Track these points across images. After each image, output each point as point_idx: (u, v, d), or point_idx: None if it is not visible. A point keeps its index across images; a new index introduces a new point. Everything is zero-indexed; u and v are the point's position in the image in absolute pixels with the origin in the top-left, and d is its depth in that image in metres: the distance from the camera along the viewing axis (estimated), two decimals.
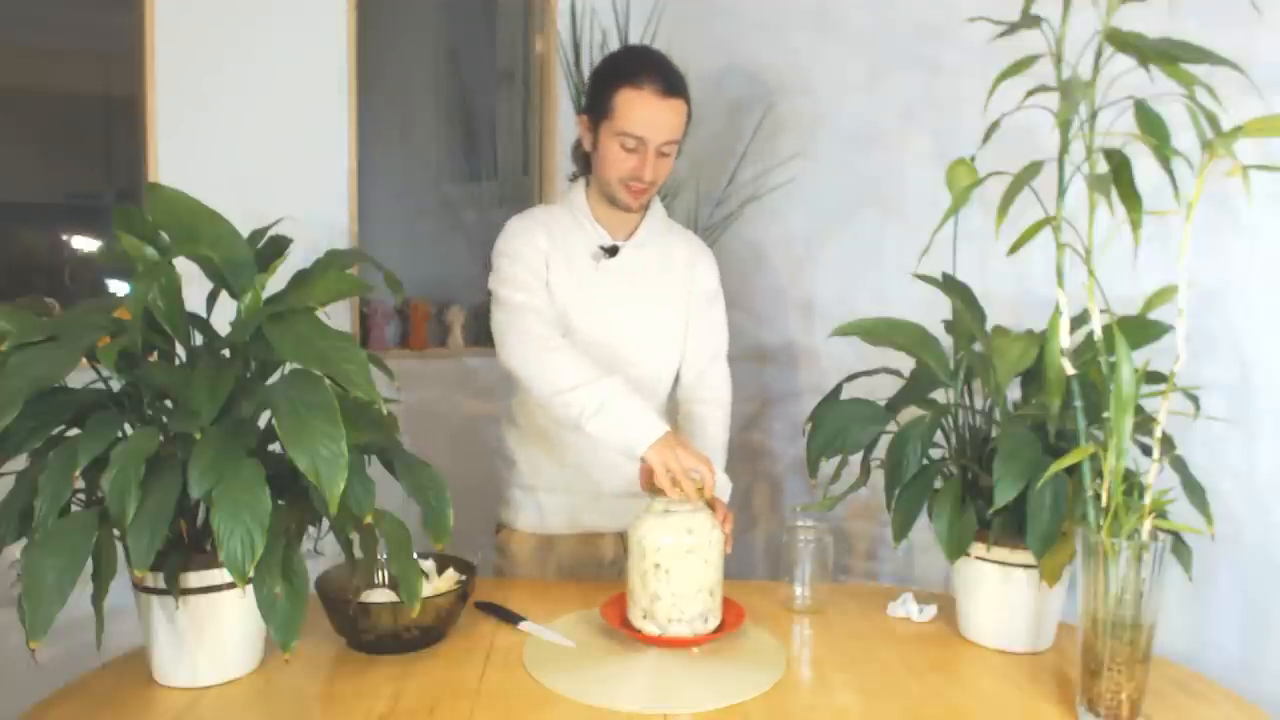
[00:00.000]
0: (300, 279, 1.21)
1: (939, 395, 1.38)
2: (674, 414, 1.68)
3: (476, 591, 1.37)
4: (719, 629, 1.26)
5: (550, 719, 1.05)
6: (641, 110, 1.45)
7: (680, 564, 1.21)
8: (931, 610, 1.40)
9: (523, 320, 1.47)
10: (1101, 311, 1.12)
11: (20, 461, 1.04)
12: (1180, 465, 1.22)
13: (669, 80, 1.47)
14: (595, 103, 1.50)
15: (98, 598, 0.99)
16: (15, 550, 0.99)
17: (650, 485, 1.31)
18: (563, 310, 1.54)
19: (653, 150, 1.47)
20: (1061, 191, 1.15)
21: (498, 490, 1.72)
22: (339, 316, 2.44)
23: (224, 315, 1.17)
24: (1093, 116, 1.10)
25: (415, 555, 1.14)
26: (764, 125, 2.14)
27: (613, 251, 1.56)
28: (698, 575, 1.22)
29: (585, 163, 1.58)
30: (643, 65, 1.48)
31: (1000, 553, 1.24)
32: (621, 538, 1.65)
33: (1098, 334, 1.11)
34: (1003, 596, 1.26)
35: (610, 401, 1.33)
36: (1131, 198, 1.06)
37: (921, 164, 1.82)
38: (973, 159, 1.21)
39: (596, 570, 1.67)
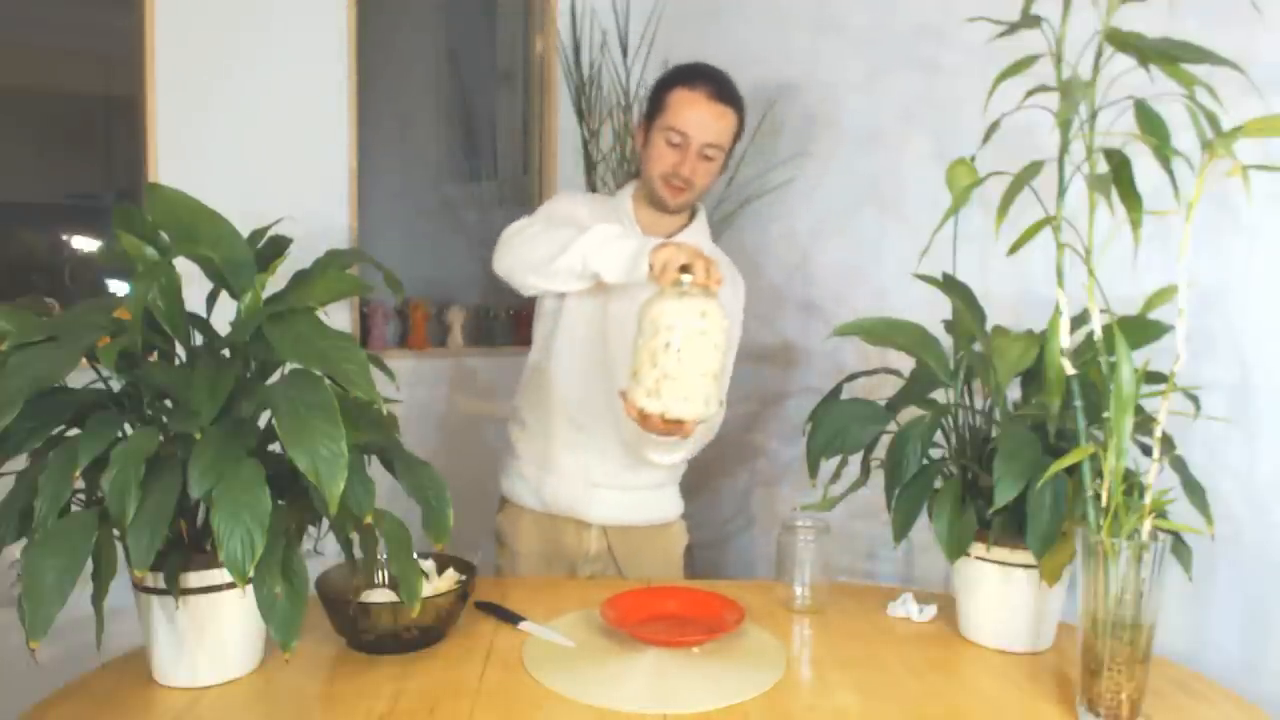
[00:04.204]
0: (300, 279, 1.21)
1: (939, 395, 1.38)
2: None
3: (476, 591, 1.37)
4: (718, 629, 1.26)
5: (550, 719, 1.05)
6: (689, 108, 1.53)
7: (692, 345, 1.22)
8: (931, 610, 1.40)
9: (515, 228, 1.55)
10: (1101, 311, 1.12)
11: (20, 461, 1.04)
12: (1180, 465, 1.22)
13: (722, 88, 1.55)
14: (651, 105, 1.60)
15: (98, 598, 0.99)
16: (15, 550, 0.99)
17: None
18: (596, 304, 1.57)
19: (695, 149, 1.54)
20: (1061, 191, 1.15)
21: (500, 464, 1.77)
22: (339, 316, 2.44)
23: (224, 315, 1.17)
24: (1093, 116, 1.10)
25: (415, 555, 1.14)
26: (764, 125, 2.13)
27: None
28: (707, 358, 1.23)
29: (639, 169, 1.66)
30: (699, 71, 1.58)
31: (1000, 553, 1.24)
32: (605, 532, 1.68)
33: (1098, 334, 1.11)
34: (1003, 596, 1.26)
35: (603, 237, 1.38)
36: (1131, 198, 1.06)
37: (921, 164, 1.82)
38: (973, 159, 1.21)
39: (577, 563, 1.69)
